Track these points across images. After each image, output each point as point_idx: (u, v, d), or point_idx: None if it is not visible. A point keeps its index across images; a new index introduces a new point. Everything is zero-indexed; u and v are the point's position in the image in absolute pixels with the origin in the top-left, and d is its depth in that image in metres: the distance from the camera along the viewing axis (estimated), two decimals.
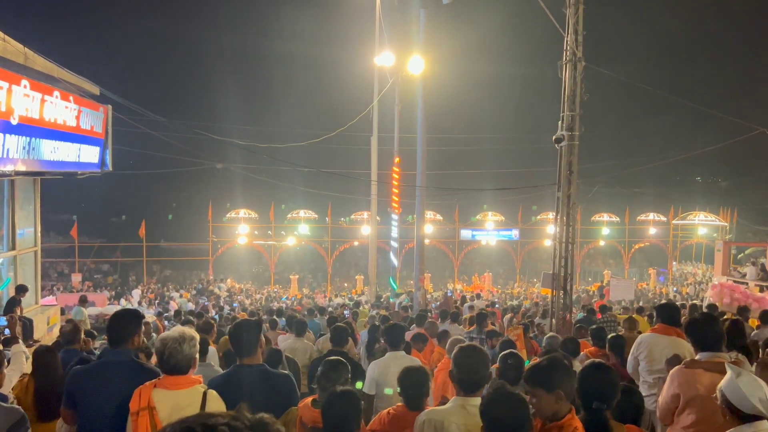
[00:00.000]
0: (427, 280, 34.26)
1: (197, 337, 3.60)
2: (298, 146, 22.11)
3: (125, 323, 3.88)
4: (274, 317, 11.35)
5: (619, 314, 12.98)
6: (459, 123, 43.24)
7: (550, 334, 7.12)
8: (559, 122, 11.19)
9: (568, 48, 10.99)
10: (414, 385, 3.80)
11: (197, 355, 3.58)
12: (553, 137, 11.21)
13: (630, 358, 5.72)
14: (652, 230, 44.12)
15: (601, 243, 44.33)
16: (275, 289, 36.81)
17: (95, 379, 3.73)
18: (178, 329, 3.59)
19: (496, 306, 20.15)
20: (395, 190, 25.75)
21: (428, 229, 36.61)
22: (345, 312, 11.58)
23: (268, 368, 4.03)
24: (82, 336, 6.16)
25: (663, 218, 44.04)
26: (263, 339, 4.09)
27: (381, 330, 8.55)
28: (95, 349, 7.36)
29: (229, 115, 42.51)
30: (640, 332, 7.41)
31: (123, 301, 25.27)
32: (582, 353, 6.64)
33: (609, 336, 6.66)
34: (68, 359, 5.45)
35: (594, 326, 7.88)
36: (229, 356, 6.32)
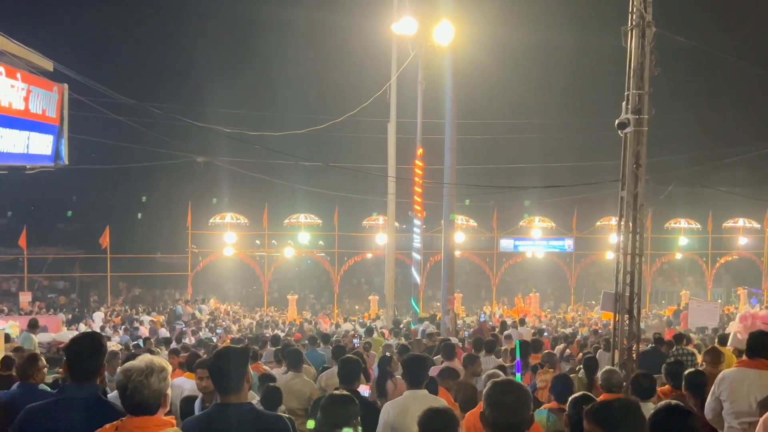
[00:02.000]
0: (457, 301, 34.30)
1: (169, 368, 3.61)
2: (298, 135, 22.20)
3: (90, 352, 3.90)
4: (260, 347, 11.41)
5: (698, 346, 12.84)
6: (497, 106, 43.12)
7: (607, 368, 7.08)
8: (624, 103, 11.10)
9: (635, 10, 10.93)
10: (439, 431, 3.79)
11: (169, 391, 3.60)
12: (616, 122, 11.07)
13: (709, 399, 5.67)
14: (743, 240, 43.65)
15: (678, 256, 44.00)
16: (269, 313, 36.96)
17: (51, 418, 3.75)
18: (145, 358, 3.60)
19: (545, 334, 20.07)
20: (418, 189, 25.80)
21: (459, 238, 36.58)
22: (354, 340, 11.59)
23: (258, 408, 4.05)
24: (42, 366, 6.25)
25: (756, 225, 43.53)
26: (250, 374, 4.11)
27: (398, 363, 8.56)
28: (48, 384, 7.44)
29: (213, 96, 42.82)
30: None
31: (82, 326, 25.53)
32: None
33: (686, 372, 6.61)
34: (24, 397, 5.46)
35: (668, 360, 7.82)
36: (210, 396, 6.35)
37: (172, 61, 54.16)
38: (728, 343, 13.20)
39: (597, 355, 11.78)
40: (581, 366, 9.62)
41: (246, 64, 54.34)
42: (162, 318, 28.28)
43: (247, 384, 3.99)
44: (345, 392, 4.76)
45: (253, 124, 26.65)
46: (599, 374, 7.25)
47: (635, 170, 11.13)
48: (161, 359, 3.70)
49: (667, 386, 7.09)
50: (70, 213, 54.49)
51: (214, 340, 20.66)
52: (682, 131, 44.50)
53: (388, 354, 9.76)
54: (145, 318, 27.69)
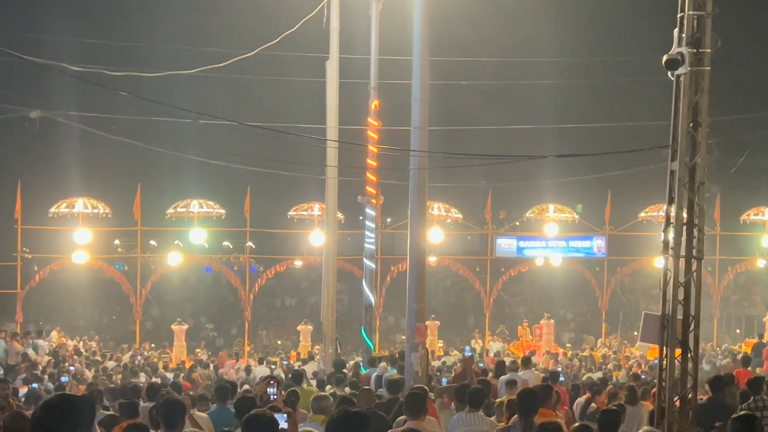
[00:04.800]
0: (432, 331, 34.42)
1: None
2: (186, 78, 21.96)
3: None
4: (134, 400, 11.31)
5: None
6: (491, 38, 43.24)
7: (645, 429, 7.21)
8: (675, 31, 11.21)
9: None
10: None
11: None
12: (664, 58, 11.18)
13: None
14: None
15: (761, 263, 44.57)
16: (144, 350, 36.63)
17: None
18: None
19: (561, 380, 20.24)
20: (372, 162, 25.76)
21: (436, 236, 36.66)
22: (269, 389, 11.50)
23: None
24: None
25: None
26: None
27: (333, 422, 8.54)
28: None
29: (55, 19, 42.05)
30: None
31: None
32: None
33: None
34: None
35: (736, 414, 7.94)
36: None
37: None
38: None
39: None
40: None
41: None
42: None
43: None
44: None
45: (116, 60, 26.28)
46: None
47: (692, 131, 11.25)
48: None
49: None
50: None
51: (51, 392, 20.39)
52: (764, 75, 45.14)
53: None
54: None
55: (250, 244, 43.15)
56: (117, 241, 40.79)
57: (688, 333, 11.30)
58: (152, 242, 42.24)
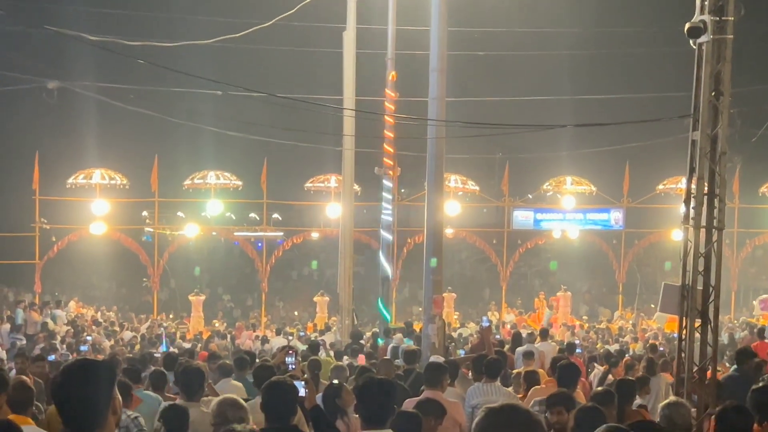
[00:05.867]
0: (449, 304, 34.39)
1: None
2: (203, 48, 21.87)
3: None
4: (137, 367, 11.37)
5: None
6: (509, 9, 42.91)
7: (672, 399, 7.15)
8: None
9: None
10: None
11: None
12: (687, 26, 11.11)
13: None
14: None
15: None
16: (161, 321, 36.79)
17: None
18: None
19: (578, 351, 20.23)
20: (389, 133, 25.69)
21: (452, 208, 36.60)
22: (288, 359, 11.51)
23: None
24: None
25: None
26: (119, 401, 4.11)
27: (352, 394, 8.52)
28: None
29: None
30: None
31: None
32: None
33: None
34: None
35: (756, 386, 7.89)
36: None
37: None
38: None
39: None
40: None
41: None
42: None
43: (113, 417, 4.00)
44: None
45: (133, 31, 26.22)
46: (660, 409, 7.32)
47: (714, 100, 11.16)
48: None
49: (757, 426, 7.16)
50: None
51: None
52: None
53: (336, 382, 9.74)
54: None
55: (276, 215, 43.40)
56: (145, 213, 40.78)
57: (707, 304, 11.26)
58: (180, 214, 42.29)
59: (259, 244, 41.69)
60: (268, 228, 42.20)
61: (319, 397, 8.87)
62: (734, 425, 6.42)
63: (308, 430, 8.04)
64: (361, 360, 17.70)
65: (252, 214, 42.96)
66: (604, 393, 8.73)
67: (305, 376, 11.79)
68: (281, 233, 42.56)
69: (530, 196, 43.86)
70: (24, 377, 9.79)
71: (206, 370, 11.89)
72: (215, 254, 49.58)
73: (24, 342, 25.79)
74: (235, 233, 43.32)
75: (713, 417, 8.74)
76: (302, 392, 7.19)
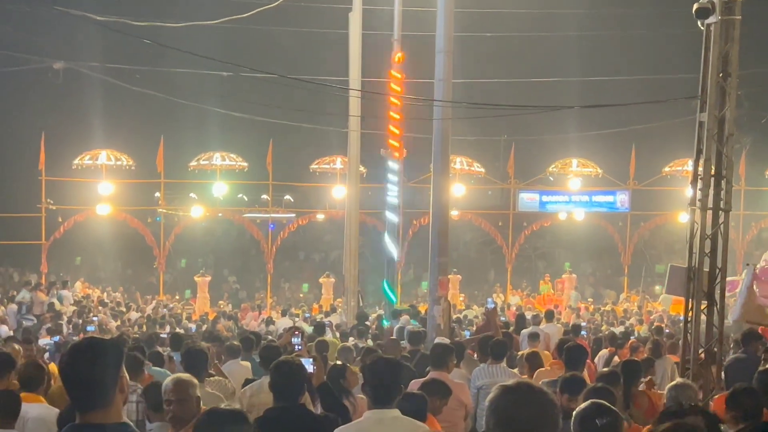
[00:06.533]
0: (454, 285, 34.38)
1: None
2: (209, 28, 21.80)
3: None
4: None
5: None
6: None
7: (679, 381, 7.15)
8: None
9: None
10: None
11: None
12: (695, 7, 11.07)
13: None
14: None
15: None
16: (167, 302, 36.86)
17: None
18: None
19: (583, 334, 20.25)
20: (395, 115, 25.66)
21: (458, 190, 36.59)
22: (295, 340, 11.52)
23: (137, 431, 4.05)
24: None
25: None
26: (126, 380, 4.12)
27: (357, 374, 8.53)
28: None
29: None
30: None
31: None
32: None
33: None
34: None
35: (762, 368, 7.91)
36: (68, 415, 6.33)
37: None
38: None
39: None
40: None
41: None
42: (1, 309, 28.02)
43: (121, 395, 4.01)
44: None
45: (139, 11, 26.15)
46: (666, 391, 7.32)
47: (721, 81, 11.12)
48: None
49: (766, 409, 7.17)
50: None
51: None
52: None
53: (339, 363, 9.74)
54: None
55: (288, 197, 43.49)
56: (157, 194, 40.84)
57: (714, 285, 11.25)
58: (192, 195, 42.32)
59: (272, 226, 41.76)
60: (280, 210, 42.33)
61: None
62: (746, 407, 6.43)
63: (313, 408, 8.07)
64: None
65: (264, 196, 42.94)
66: (609, 374, 8.75)
67: (313, 354, 11.83)
68: (293, 215, 42.64)
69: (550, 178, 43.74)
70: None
71: (213, 352, 11.97)
72: (226, 236, 49.52)
73: (34, 322, 25.84)
74: (246, 215, 43.35)
75: (716, 398, 8.78)
76: (310, 369, 7.22)
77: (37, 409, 7.41)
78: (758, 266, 13.74)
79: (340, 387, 8.54)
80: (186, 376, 6.66)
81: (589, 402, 4.90)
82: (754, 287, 13.43)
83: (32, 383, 7.96)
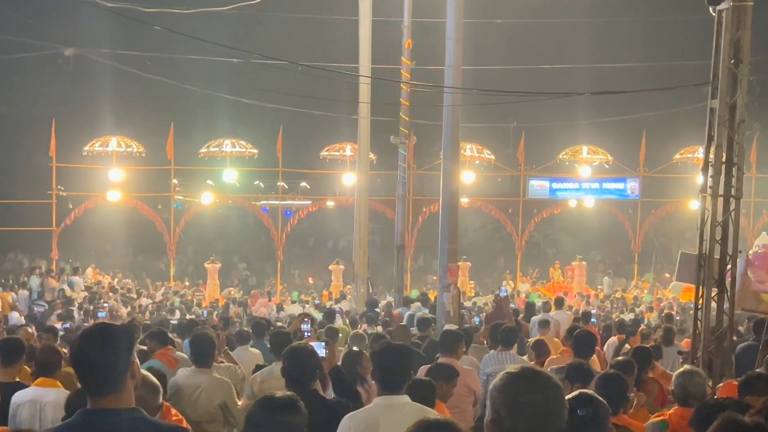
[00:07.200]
0: (464, 273, 34.34)
1: None
2: (218, 15, 21.80)
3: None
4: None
5: None
6: None
7: (687, 368, 7.14)
8: None
9: None
10: None
11: None
12: None
13: None
14: None
15: None
16: (177, 288, 36.94)
17: None
18: None
19: (593, 321, 20.23)
20: (405, 102, 25.64)
21: (468, 177, 36.53)
22: (304, 326, 11.54)
23: (148, 416, 4.06)
24: None
25: None
26: (137, 365, 4.14)
27: (369, 359, 8.54)
28: None
29: None
30: None
31: None
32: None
33: None
34: None
35: None
36: (77, 399, 6.33)
37: None
38: None
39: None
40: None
41: None
42: (11, 296, 28.09)
43: (132, 381, 4.02)
44: (288, 394, 4.78)
45: None
46: (674, 378, 7.32)
47: (733, 68, 11.07)
48: None
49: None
50: None
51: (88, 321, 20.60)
52: None
53: (356, 349, 9.76)
54: None
55: (304, 184, 43.58)
56: (175, 180, 40.87)
57: (724, 272, 11.23)
58: (209, 182, 42.41)
59: (288, 213, 41.80)
60: (297, 197, 42.38)
61: None
62: (759, 394, 6.41)
63: (324, 393, 8.09)
64: None
65: (280, 183, 43.01)
66: (624, 362, 8.73)
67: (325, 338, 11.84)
68: (309, 201, 42.68)
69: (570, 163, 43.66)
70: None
71: (223, 338, 11.96)
72: (236, 223, 49.58)
73: (45, 308, 25.92)
74: (263, 202, 43.42)
75: (722, 385, 8.76)
76: (322, 353, 7.22)
77: (53, 394, 7.42)
78: (750, 252, 13.66)
79: (356, 373, 8.55)
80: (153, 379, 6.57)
81: (576, 392, 4.91)
82: (749, 273, 13.35)
83: (49, 368, 7.99)
